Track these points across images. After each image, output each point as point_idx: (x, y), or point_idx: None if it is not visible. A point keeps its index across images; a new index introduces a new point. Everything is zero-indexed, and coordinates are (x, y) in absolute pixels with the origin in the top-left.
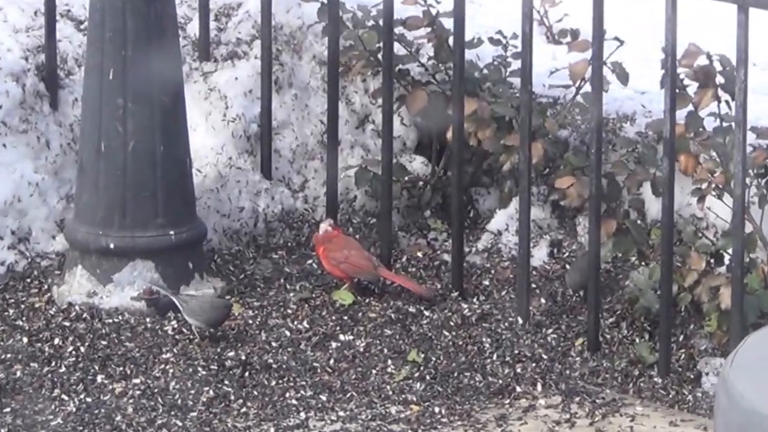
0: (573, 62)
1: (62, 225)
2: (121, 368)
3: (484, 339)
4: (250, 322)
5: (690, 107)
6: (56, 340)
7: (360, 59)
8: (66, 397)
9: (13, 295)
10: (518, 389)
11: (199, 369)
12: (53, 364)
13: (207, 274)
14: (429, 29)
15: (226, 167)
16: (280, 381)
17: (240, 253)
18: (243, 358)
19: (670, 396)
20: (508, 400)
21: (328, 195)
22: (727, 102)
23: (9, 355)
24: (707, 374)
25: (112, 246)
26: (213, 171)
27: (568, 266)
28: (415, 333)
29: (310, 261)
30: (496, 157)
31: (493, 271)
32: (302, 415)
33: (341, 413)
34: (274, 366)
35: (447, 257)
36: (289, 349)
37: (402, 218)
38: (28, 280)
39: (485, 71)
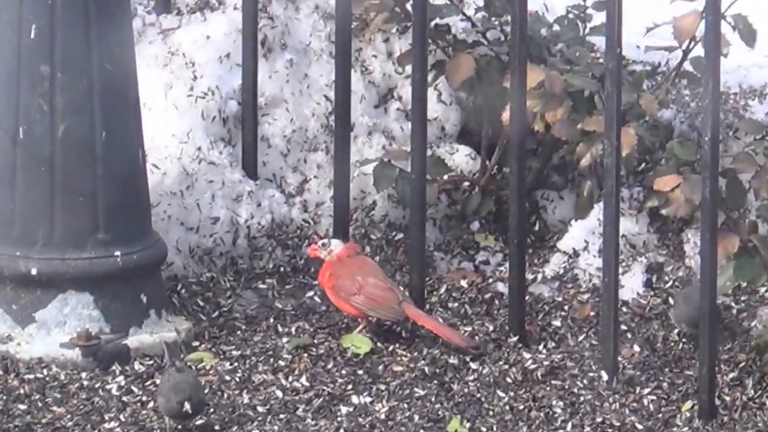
0: (679, 15)
1: None
2: None
3: (554, 402)
4: (228, 378)
5: None
6: None
7: (381, 11)
8: None
9: None
10: None
11: None
12: None
13: (167, 312)
14: None
15: (193, 162)
16: None
17: (213, 281)
18: (217, 428)
19: None
20: None
21: (336, 200)
22: None
23: None
24: None
25: (34, 272)
26: (175, 167)
27: (671, 300)
28: (457, 394)
29: (311, 293)
30: (570, 147)
31: (566, 307)
32: None
33: None
34: None
35: (502, 287)
36: (282, 417)
37: (440, 233)
38: None
39: (556, 27)
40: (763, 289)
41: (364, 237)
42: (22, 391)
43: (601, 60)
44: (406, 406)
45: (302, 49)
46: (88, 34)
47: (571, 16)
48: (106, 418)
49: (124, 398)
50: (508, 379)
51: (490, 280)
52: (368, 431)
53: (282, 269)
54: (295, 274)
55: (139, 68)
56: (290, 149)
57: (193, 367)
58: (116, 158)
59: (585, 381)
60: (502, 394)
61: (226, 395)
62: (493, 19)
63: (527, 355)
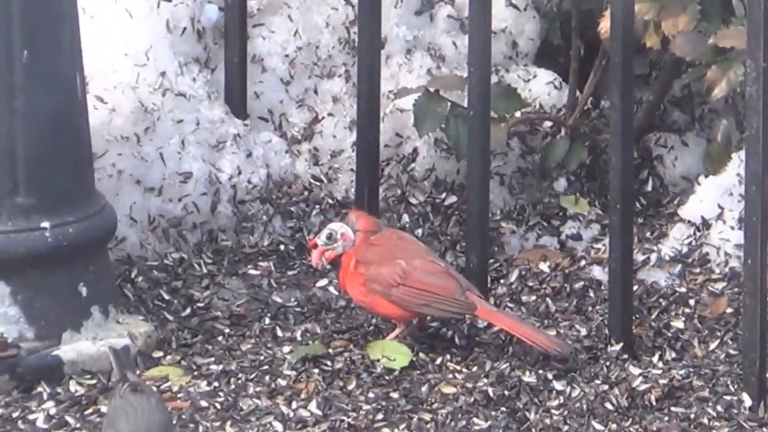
0: None
1: None
2: None
3: None
4: (204, 404)
5: None
6: None
7: None
8: None
9: None
10: None
11: None
12: None
13: (117, 309)
14: None
15: (154, 93)
16: None
17: (183, 265)
18: None
19: None
20: None
21: (361, 149)
22: None
23: None
24: None
25: None
26: (129, 101)
27: None
28: (535, 426)
29: (323, 282)
30: (698, 72)
31: (692, 302)
32: None
33: None
34: None
35: (600, 274)
36: None
37: (510, 195)
38: None
39: None
40: None
41: (400, 202)
42: None
43: None
44: None
45: None
46: None
47: None
48: None
49: None
50: (609, 405)
51: (583, 263)
52: None
53: (282, 248)
54: (301, 255)
55: None
56: (294, 75)
57: (155, 388)
58: (43, 89)
59: (719, 407)
60: (599, 427)
61: (201, 429)
62: None
63: (636, 371)
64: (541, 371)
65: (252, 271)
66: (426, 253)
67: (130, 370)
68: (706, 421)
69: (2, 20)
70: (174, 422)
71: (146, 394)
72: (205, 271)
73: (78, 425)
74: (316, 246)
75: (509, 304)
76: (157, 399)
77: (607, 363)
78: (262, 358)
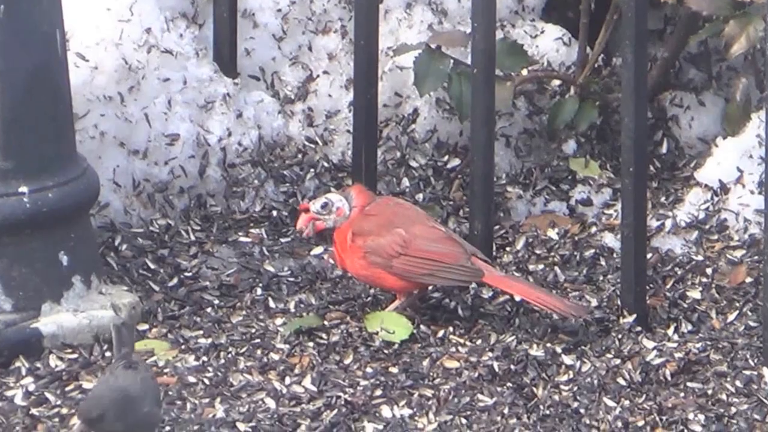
0: None
1: None
2: None
3: (691, 416)
4: (193, 380)
5: None
6: None
7: None
8: None
9: None
10: None
11: None
12: None
13: (100, 279)
14: None
15: (139, 50)
16: None
17: (170, 233)
18: None
19: None
20: None
21: (358, 109)
22: None
23: None
24: None
25: None
26: (112, 58)
27: None
28: (543, 403)
29: (318, 250)
30: (715, 26)
31: (709, 271)
32: None
33: None
34: None
35: (612, 241)
36: None
37: (516, 158)
38: None
39: None
40: None
41: (400, 165)
42: None
43: None
44: (464, 421)
45: None
46: None
47: None
48: None
49: (34, 411)
50: (621, 381)
51: (593, 230)
52: None
53: (275, 214)
54: (295, 222)
55: None
56: (287, 31)
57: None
58: (20, 46)
59: (738, 383)
60: (611, 404)
61: (189, 406)
62: None
63: (650, 344)
64: (549, 344)
65: (243, 239)
66: (426, 219)
67: (129, 348)
68: (724, 397)
69: None
70: (161, 396)
71: (138, 372)
72: (193, 238)
73: (58, 402)
74: (307, 210)
75: (515, 273)
76: (147, 375)
77: (620, 336)
78: (253, 330)
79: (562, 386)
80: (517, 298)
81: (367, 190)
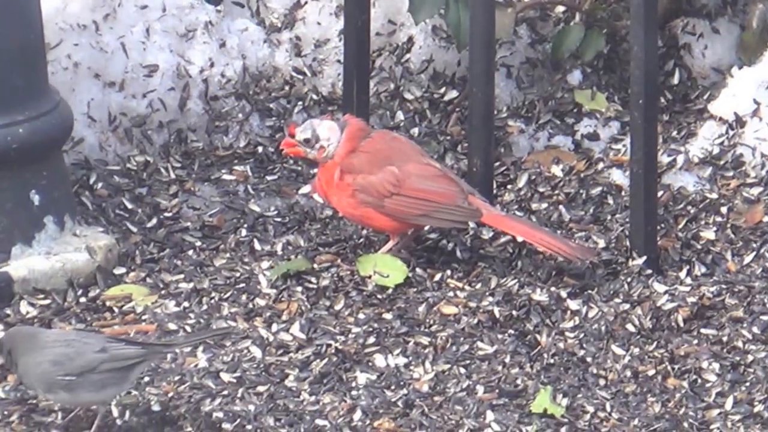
0: None
1: None
2: None
3: (705, 365)
4: (174, 327)
5: None
6: None
7: None
8: None
9: None
10: None
11: None
12: None
13: (73, 220)
14: None
15: None
16: None
17: (149, 170)
18: (157, 410)
19: None
20: None
21: (348, 37)
22: None
23: None
24: None
25: None
26: None
27: None
28: (547, 351)
29: (308, 188)
30: None
31: (724, 210)
32: None
33: None
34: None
35: (620, 178)
36: (262, 391)
37: (518, 89)
38: None
39: None
40: None
41: (394, 97)
42: None
43: None
44: (463, 371)
45: None
46: None
47: None
48: None
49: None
50: (630, 327)
51: (600, 166)
52: (401, 413)
53: (260, 150)
54: (282, 158)
55: None
56: None
57: (116, 309)
58: None
59: (755, 329)
60: (619, 352)
61: (170, 355)
62: None
63: (661, 288)
64: (553, 288)
65: (226, 176)
66: (421, 155)
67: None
68: (740, 344)
69: None
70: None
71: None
72: (173, 176)
73: None
74: (292, 136)
75: (517, 212)
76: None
77: (629, 279)
78: (237, 274)
79: (567, 333)
80: (519, 240)
81: (361, 128)
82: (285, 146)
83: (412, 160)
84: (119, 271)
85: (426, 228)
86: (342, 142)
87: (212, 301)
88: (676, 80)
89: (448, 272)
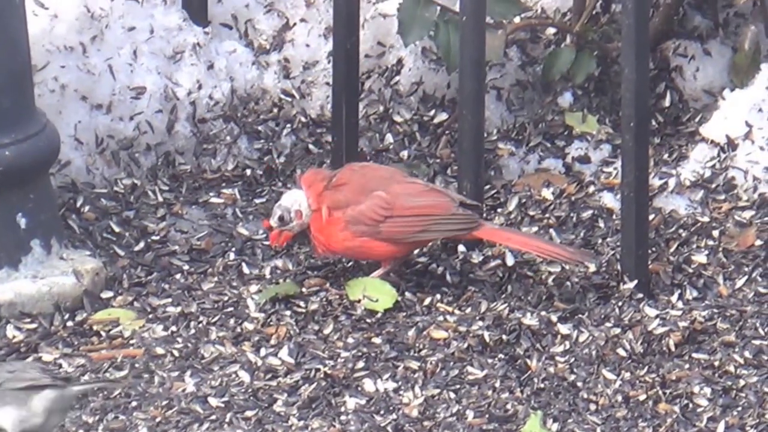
0: None
1: None
2: None
3: (696, 389)
4: (161, 351)
5: None
6: None
7: None
8: None
9: None
10: None
11: None
12: None
13: (60, 243)
14: None
15: None
16: None
17: (136, 193)
18: None
19: None
20: None
21: (337, 59)
22: None
23: None
24: None
25: None
26: (73, 5)
27: None
28: (537, 375)
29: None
30: None
31: (716, 233)
32: None
33: None
34: None
35: (612, 201)
36: (250, 416)
37: (508, 112)
38: None
39: None
40: None
41: (383, 120)
42: None
43: None
44: (453, 396)
45: None
46: None
47: None
48: None
49: None
50: (621, 352)
51: (591, 189)
52: None
53: (248, 173)
54: (270, 181)
55: None
56: None
57: (103, 333)
58: None
59: (747, 353)
60: (610, 376)
61: (158, 380)
62: None
63: (652, 312)
64: (544, 312)
65: (214, 200)
66: (400, 175)
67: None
68: (732, 368)
69: None
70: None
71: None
72: (160, 199)
73: None
74: (271, 228)
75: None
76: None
77: (620, 303)
78: (226, 298)
79: (557, 357)
80: (514, 254)
81: (315, 172)
82: (272, 241)
83: (394, 181)
84: (106, 294)
85: (416, 251)
86: (308, 192)
87: (200, 325)
88: (667, 102)
89: (438, 296)
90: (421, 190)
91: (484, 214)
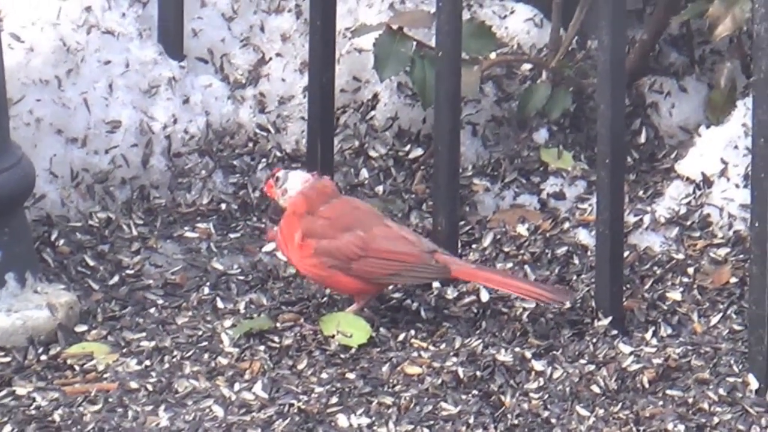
0: None
1: None
2: None
3: (670, 426)
4: (135, 386)
5: None
6: None
7: None
8: None
9: None
10: None
11: None
12: None
13: (35, 277)
14: None
15: (78, 30)
16: None
17: (111, 227)
18: None
19: None
20: None
21: (313, 94)
22: None
23: None
24: None
25: None
26: (49, 39)
27: None
28: (511, 412)
29: (271, 246)
30: (698, 7)
31: (691, 271)
32: None
33: None
34: None
35: (586, 238)
36: None
37: (483, 148)
38: None
39: None
40: None
41: (358, 155)
42: None
43: None
44: (426, 431)
45: None
46: None
47: None
48: None
49: None
50: (595, 388)
51: (566, 226)
52: None
53: (223, 207)
54: (245, 215)
55: None
56: (237, 10)
57: (77, 367)
58: None
59: (722, 390)
60: (584, 413)
61: (131, 414)
62: None
63: (626, 349)
64: (518, 349)
65: (189, 234)
66: (382, 219)
67: None
68: (706, 406)
69: None
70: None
71: None
72: (135, 233)
73: None
74: (273, 176)
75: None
76: None
77: (594, 340)
78: (200, 333)
79: (531, 394)
80: (489, 292)
81: (324, 187)
82: (267, 188)
83: (374, 224)
84: (80, 328)
85: (390, 287)
86: (300, 191)
87: (174, 359)
88: (643, 139)
89: (412, 332)
90: (396, 235)
91: (460, 251)
